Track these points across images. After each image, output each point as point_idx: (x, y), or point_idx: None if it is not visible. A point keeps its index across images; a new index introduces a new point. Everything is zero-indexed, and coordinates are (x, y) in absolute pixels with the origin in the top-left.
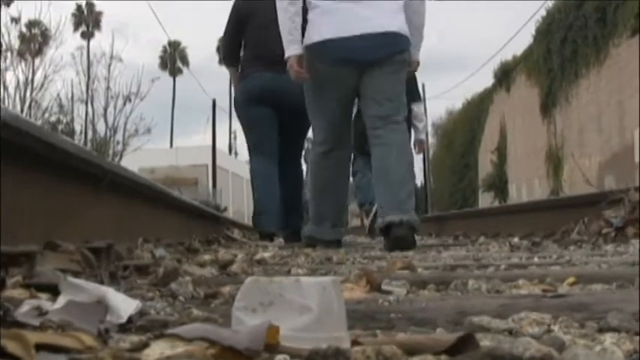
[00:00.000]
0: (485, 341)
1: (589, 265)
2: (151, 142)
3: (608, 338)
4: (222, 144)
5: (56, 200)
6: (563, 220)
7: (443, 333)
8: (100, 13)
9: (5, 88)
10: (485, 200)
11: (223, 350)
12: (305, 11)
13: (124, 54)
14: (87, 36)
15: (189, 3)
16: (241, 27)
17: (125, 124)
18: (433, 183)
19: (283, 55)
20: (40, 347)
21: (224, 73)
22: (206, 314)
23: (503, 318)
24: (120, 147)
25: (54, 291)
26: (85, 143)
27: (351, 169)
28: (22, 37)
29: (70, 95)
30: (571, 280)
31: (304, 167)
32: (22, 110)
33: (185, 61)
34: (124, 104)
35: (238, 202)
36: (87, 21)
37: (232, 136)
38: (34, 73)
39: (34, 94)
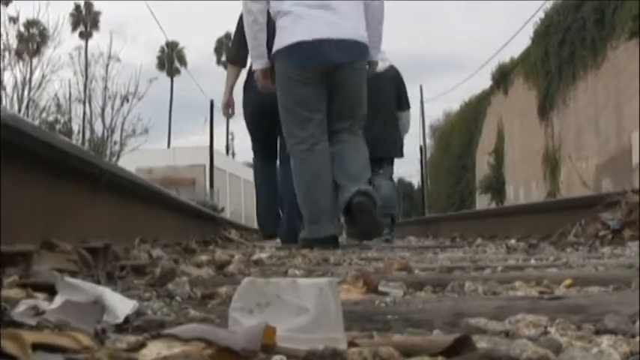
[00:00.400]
0: (481, 343)
1: (586, 268)
2: (148, 142)
3: (605, 340)
4: (219, 144)
5: (53, 200)
6: (560, 222)
7: (439, 335)
8: (98, 13)
9: (3, 87)
10: (483, 202)
11: (220, 351)
12: (271, 24)
13: (122, 54)
14: (85, 36)
15: (187, 3)
16: None
17: (123, 124)
18: (430, 184)
19: None
20: (36, 347)
21: (222, 73)
22: (203, 315)
23: (499, 320)
24: (117, 147)
25: (51, 291)
26: (83, 143)
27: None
28: (20, 36)
29: (67, 95)
30: (568, 282)
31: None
32: (19, 110)
33: (183, 61)
34: (122, 104)
35: (235, 202)
36: (85, 21)
37: (230, 136)
38: (31, 73)
39: (31, 93)
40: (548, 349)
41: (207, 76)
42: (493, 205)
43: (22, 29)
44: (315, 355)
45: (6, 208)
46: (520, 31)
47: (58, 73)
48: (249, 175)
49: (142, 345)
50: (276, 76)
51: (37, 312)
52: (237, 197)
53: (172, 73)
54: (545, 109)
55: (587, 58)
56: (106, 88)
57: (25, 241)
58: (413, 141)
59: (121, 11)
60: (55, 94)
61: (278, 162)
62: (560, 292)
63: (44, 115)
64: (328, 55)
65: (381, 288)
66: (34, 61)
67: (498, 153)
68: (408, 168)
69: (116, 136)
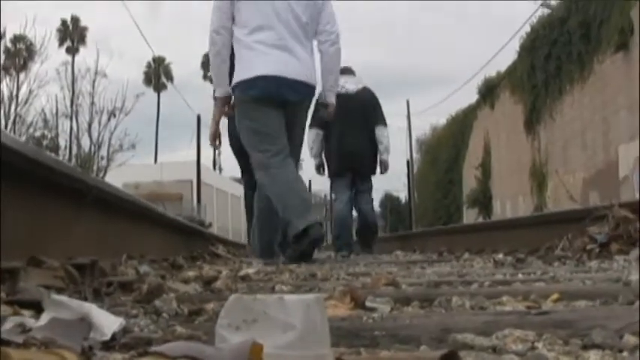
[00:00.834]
0: (469, 359)
1: (573, 282)
2: (135, 157)
3: (592, 355)
4: (206, 159)
5: (40, 216)
6: (547, 236)
7: (427, 350)
8: (85, 29)
9: None
10: (470, 216)
11: None
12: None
13: (109, 69)
14: (72, 51)
15: (174, 19)
16: None
17: (110, 139)
18: (417, 199)
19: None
20: None
21: (208, 88)
22: (190, 331)
23: (487, 335)
24: (104, 162)
25: (37, 308)
26: (70, 158)
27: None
28: (6, 51)
29: (54, 110)
30: (555, 296)
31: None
32: (6, 125)
33: (169, 76)
34: (109, 119)
35: (223, 217)
36: (72, 36)
37: (217, 151)
38: (18, 88)
39: (18, 109)
40: None
41: (193, 91)
42: (480, 219)
43: (8, 44)
44: None
45: None
46: (506, 45)
47: (44, 89)
48: (236, 190)
49: None
50: (236, 105)
51: (24, 329)
52: (225, 212)
53: (159, 88)
54: (531, 123)
55: (573, 71)
56: (92, 103)
57: (11, 257)
58: (400, 155)
59: (108, 27)
60: (42, 110)
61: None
62: (548, 306)
63: (31, 130)
64: (282, 91)
65: (368, 303)
66: (21, 76)
67: (485, 167)
68: (395, 182)
69: (103, 152)
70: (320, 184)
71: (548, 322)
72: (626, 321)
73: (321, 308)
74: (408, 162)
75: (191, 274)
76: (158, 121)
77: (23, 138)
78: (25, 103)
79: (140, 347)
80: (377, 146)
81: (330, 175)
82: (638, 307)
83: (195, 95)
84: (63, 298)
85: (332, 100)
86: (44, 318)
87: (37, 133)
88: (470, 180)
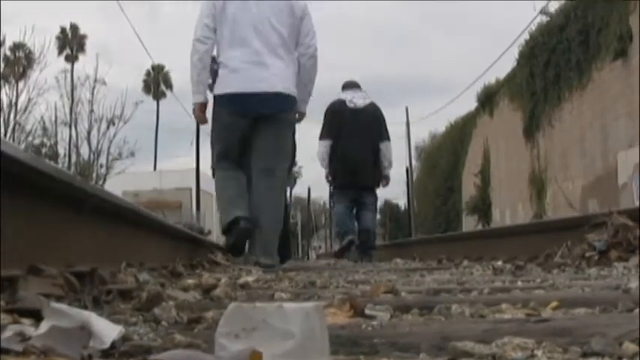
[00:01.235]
0: None
1: (572, 289)
2: (134, 165)
3: None
4: (206, 167)
5: (39, 224)
6: (546, 243)
7: (426, 358)
8: (84, 37)
9: None
10: (469, 223)
11: None
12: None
13: (108, 77)
14: (71, 59)
15: (173, 27)
16: None
17: (109, 147)
18: (417, 206)
19: None
20: None
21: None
22: (189, 339)
23: (486, 343)
24: (103, 170)
25: (37, 316)
26: (69, 166)
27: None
28: (6, 60)
29: (53, 118)
30: (554, 304)
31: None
32: (5, 133)
33: (169, 84)
34: (108, 127)
35: None
36: (71, 44)
37: None
38: (18, 96)
39: (17, 117)
40: None
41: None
42: (479, 227)
43: (8, 53)
44: None
45: None
46: (505, 53)
47: (44, 97)
48: None
49: None
50: (212, 112)
51: (24, 338)
52: None
53: (158, 96)
54: (530, 131)
55: (572, 79)
56: (92, 111)
57: (10, 266)
58: (399, 163)
59: (107, 35)
60: (41, 118)
61: None
62: (547, 314)
63: (30, 138)
64: (255, 105)
65: (367, 311)
66: (20, 84)
67: (484, 174)
68: (394, 190)
69: (102, 159)
70: (319, 191)
71: (548, 329)
72: (625, 328)
73: (321, 316)
74: (407, 169)
75: (190, 282)
76: (157, 128)
77: (22, 146)
78: (25, 111)
79: (139, 355)
80: (380, 160)
81: (334, 186)
82: (637, 314)
83: None
84: (62, 306)
85: (304, 109)
86: (44, 326)
87: (37, 141)
88: (469, 187)
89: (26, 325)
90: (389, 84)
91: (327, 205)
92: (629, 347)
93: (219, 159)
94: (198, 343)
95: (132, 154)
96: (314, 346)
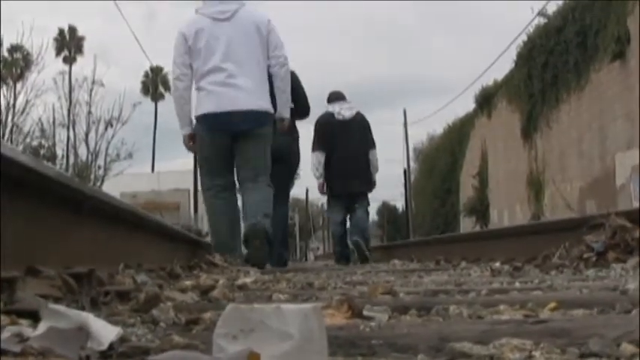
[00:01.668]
0: None
1: (570, 290)
2: (132, 166)
3: None
4: None
5: (37, 226)
6: (544, 244)
7: (424, 359)
8: (82, 38)
9: None
10: (467, 225)
11: None
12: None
13: (106, 79)
14: (69, 61)
15: (171, 30)
16: None
17: (107, 148)
18: (414, 208)
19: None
20: None
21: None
22: (187, 341)
23: (484, 344)
24: (101, 172)
25: (35, 317)
26: (67, 168)
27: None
28: (4, 61)
29: (51, 120)
30: (552, 305)
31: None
32: (3, 135)
33: (167, 86)
34: (106, 129)
35: None
36: (69, 46)
37: None
38: (15, 98)
39: (15, 118)
40: None
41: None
42: (477, 228)
43: (5, 54)
44: None
45: None
46: (503, 54)
47: (41, 98)
48: None
49: None
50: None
51: (22, 339)
52: None
53: (157, 97)
54: (528, 132)
55: (570, 80)
56: (90, 112)
57: (9, 267)
58: (397, 164)
59: (105, 36)
60: (39, 119)
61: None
62: (545, 315)
63: (28, 140)
64: (232, 124)
65: (365, 312)
66: (18, 86)
67: (482, 176)
68: (392, 191)
69: (100, 161)
70: (317, 193)
71: (546, 330)
72: (623, 329)
73: (319, 317)
74: (405, 171)
75: (188, 283)
76: (155, 130)
77: (20, 147)
78: (22, 112)
79: (137, 356)
80: (370, 166)
81: (328, 194)
82: (635, 315)
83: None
84: (60, 307)
85: (286, 114)
86: (42, 327)
87: (34, 143)
88: (467, 189)
89: (24, 326)
90: (387, 85)
91: (325, 207)
92: (627, 348)
93: (208, 179)
94: (196, 344)
95: (130, 156)
96: (312, 347)
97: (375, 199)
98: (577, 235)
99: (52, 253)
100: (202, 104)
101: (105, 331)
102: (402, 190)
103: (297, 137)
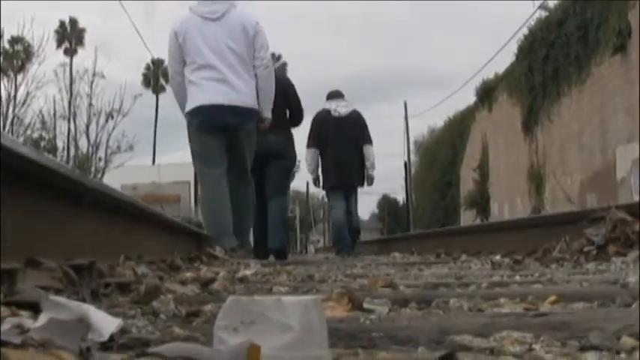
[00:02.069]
0: None
1: (571, 284)
2: (133, 158)
3: (590, 357)
4: None
5: (38, 217)
6: (544, 238)
7: (425, 352)
8: (83, 30)
9: None
10: (467, 218)
11: None
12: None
13: (107, 71)
14: (70, 53)
15: (173, 21)
16: None
17: (107, 140)
18: (415, 201)
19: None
20: None
21: None
22: (187, 333)
23: (484, 337)
24: (102, 164)
25: (35, 309)
26: (68, 160)
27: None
28: (4, 53)
29: (52, 112)
30: (552, 298)
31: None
32: (4, 126)
33: (168, 78)
34: (107, 121)
35: None
36: (70, 38)
37: None
38: (16, 90)
39: (16, 110)
40: None
41: None
42: (478, 221)
43: (6, 46)
44: None
45: None
46: (504, 48)
47: (42, 90)
48: None
49: None
50: (187, 128)
51: (22, 330)
52: None
53: (158, 90)
54: (529, 125)
55: (571, 74)
56: (90, 104)
57: (9, 259)
58: (398, 157)
59: (106, 28)
60: (40, 111)
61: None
62: (545, 308)
63: (29, 131)
64: (221, 117)
65: (366, 305)
66: (19, 77)
67: (483, 169)
68: (392, 184)
69: (101, 153)
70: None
71: (546, 323)
72: (623, 323)
73: (319, 310)
74: (405, 164)
75: (189, 275)
76: (156, 122)
77: (21, 139)
78: (23, 104)
79: (138, 348)
80: (364, 162)
81: (327, 189)
82: (635, 308)
83: None
84: (61, 299)
85: (268, 115)
86: (42, 319)
87: (35, 135)
88: (467, 182)
89: (25, 318)
90: (388, 78)
91: (326, 200)
92: (627, 341)
93: (207, 168)
94: (196, 337)
95: (130, 148)
96: (312, 339)
97: (376, 191)
98: (577, 228)
99: (52, 244)
100: (193, 98)
101: (105, 323)
102: (403, 182)
103: (291, 137)
